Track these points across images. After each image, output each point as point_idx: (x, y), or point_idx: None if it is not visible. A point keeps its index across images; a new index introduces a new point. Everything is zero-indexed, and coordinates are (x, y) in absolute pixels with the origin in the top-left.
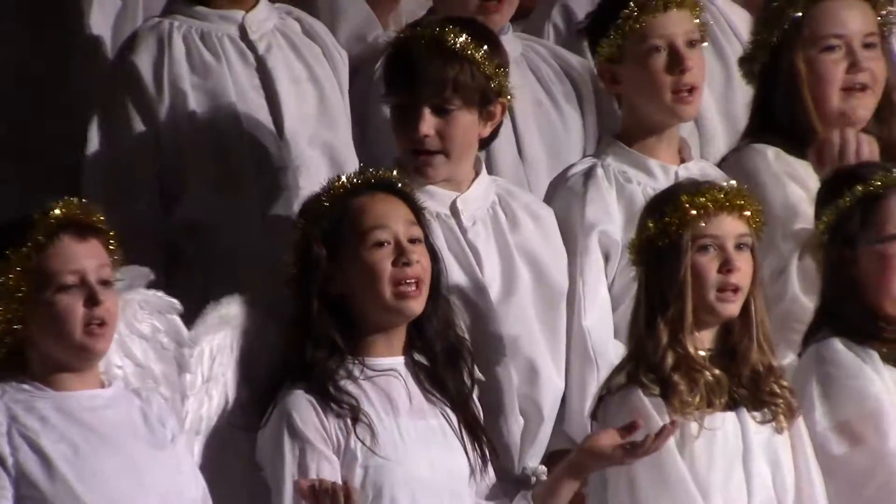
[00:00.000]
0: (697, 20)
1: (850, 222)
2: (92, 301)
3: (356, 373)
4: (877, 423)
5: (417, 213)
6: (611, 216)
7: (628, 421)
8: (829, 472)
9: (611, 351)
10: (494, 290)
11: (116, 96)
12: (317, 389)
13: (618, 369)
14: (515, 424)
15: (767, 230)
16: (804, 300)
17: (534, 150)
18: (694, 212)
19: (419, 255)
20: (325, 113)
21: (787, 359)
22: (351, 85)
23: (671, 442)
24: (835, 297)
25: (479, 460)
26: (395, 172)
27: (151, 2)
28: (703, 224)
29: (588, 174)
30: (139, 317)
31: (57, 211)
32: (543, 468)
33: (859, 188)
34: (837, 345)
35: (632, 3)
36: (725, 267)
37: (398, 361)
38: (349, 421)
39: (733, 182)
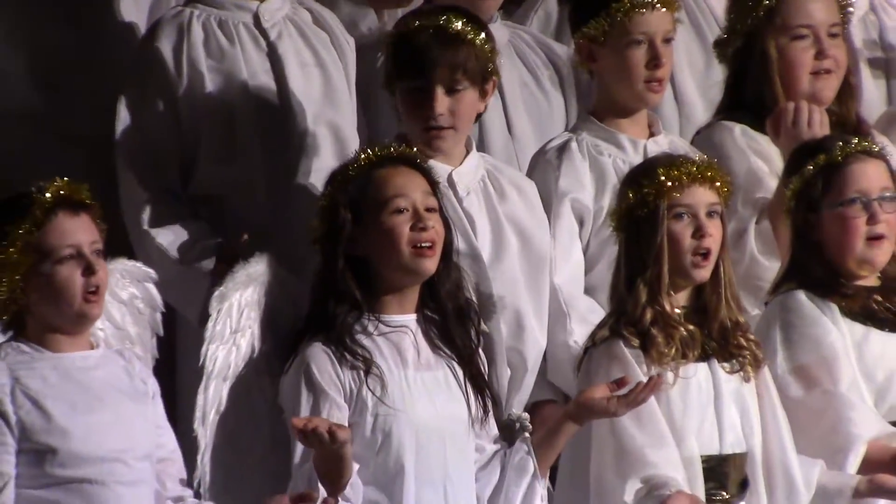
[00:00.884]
0: (674, 19)
1: (813, 188)
2: (89, 271)
3: (371, 328)
4: (830, 368)
5: (433, 185)
6: (582, 185)
7: (611, 370)
8: (786, 413)
9: (582, 305)
10: (486, 253)
11: (142, 78)
12: (334, 342)
13: (601, 325)
14: (504, 375)
15: (731, 198)
16: (762, 259)
17: (522, 128)
18: (669, 183)
19: (434, 221)
20: (330, 95)
21: (754, 311)
22: None
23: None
24: (800, 255)
25: (481, 410)
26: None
27: None
28: (678, 194)
29: (563, 148)
30: (120, 284)
31: (52, 189)
32: (526, 415)
33: (822, 157)
34: (801, 296)
35: None
36: (699, 233)
37: (410, 319)
38: (362, 373)
39: (703, 155)
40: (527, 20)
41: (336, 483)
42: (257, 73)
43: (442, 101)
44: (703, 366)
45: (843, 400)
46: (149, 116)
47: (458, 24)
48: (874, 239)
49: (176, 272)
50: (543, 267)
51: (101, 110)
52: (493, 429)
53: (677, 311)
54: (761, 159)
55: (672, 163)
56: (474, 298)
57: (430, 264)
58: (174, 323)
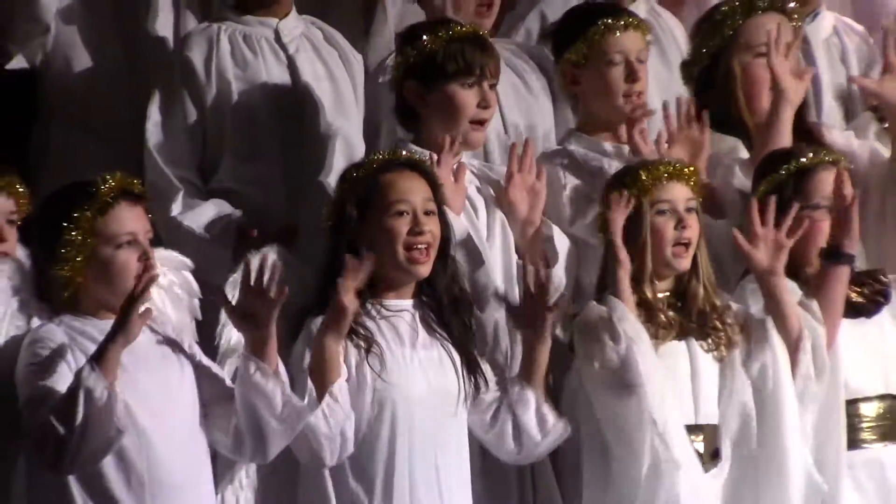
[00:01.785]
0: (647, 40)
1: (784, 191)
2: (145, 256)
3: (373, 312)
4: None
5: (435, 188)
6: (571, 187)
7: (611, 319)
8: None
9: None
10: (486, 233)
11: (173, 84)
12: None
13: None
14: (500, 356)
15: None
16: None
17: (515, 128)
18: (651, 182)
19: (431, 225)
20: (339, 105)
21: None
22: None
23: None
24: None
25: (473, 388)
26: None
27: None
28: (659, 192)
29: (552, 160)
30: (159, 271)
31: (114, 181)
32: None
33: (794, 163)
34: None
35: (599, 22)
36: (680, 225)
37: (407, 304)
38: (363, 350)
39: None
40: (512, 31)
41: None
42: (277, 83)
43: (492, 96)
44: (682, 344)
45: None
46: (177, 116)
47: (481, 32)
48: None
49: (206, 247)
50: None
51: (136, 114)
52: (493, 388)
53: (660, 295)
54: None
55: (651, 164)
56: (469, 289)
57: (423, 269)
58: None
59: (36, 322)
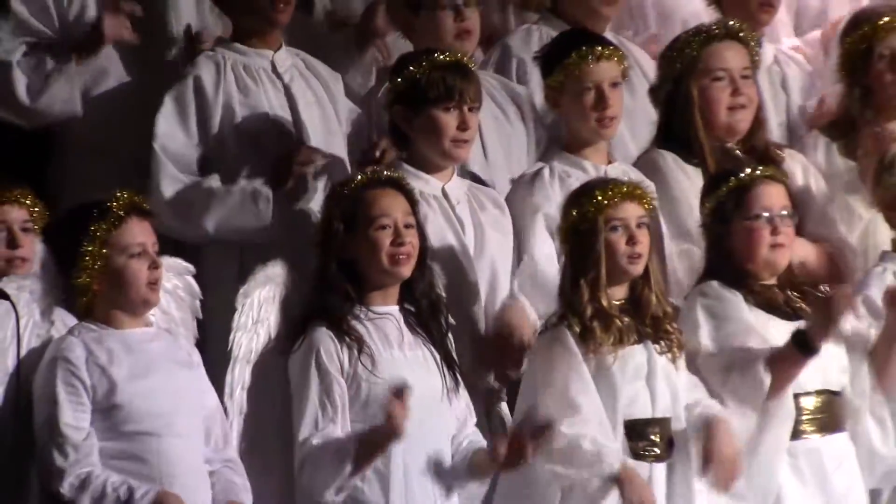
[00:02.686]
0: (622, 66)
1: (726, 205)
2: (153, 266)
3: (362, 316)
4: (747, 333)
5: (413, 204)
6: (552, 203)
7: (553, 352)
8: (706, 370)
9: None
10: (472, 249)
11: (183, 96)
12: (334, 326)
13: (553, 315)
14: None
15: (671, 208)
16: (682, 279)
17: (494, 153)
18: (605, 202)
19: (411, 237)
20: (327, 126)
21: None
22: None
23: (586, 372)
24: (714, 259)
25: (452, 382)
26: (391, 171)
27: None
28: (613, 210)
29: (537, 174)
30: (165, 277)
31: (125, 199)
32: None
33: (733, 180)
34: (715, 284)
35: (573, 54)
36: (631, 241)
37: (393, 309)
38: (356, 350)
39: (634, 178)
40: (487, 62)
41: (374, 455)
42: (276, 108)
43: (472, 118)
44: (639, 347)
45: (753, 358)
46: (185, 124)
47: (465, 60)
48: (776, 247)
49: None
50: (509, 256)
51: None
52: (467, 399)
53: (616, 303)
54: (687, 182)
55: (606, 185)
56: (444, 295)
57: (405, 271)
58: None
59: (56, 329)
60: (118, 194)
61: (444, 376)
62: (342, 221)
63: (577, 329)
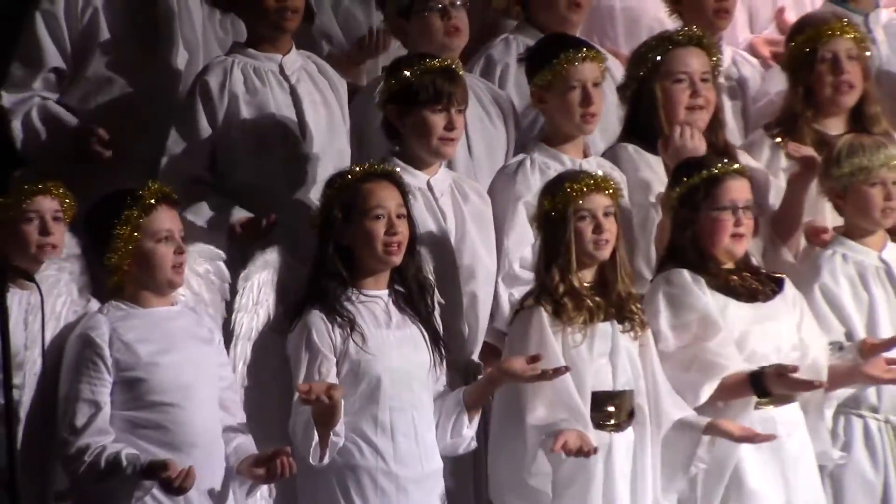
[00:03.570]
0: (601, 67)
1: (696, 194)
2: (179, 250)
3: (354, 298)
4: (706, 323)
5: (405, 196)
6: (532, 191)
7: (530, 331)
8: (665, 360)
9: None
10: (454, 237)
11: (193, 102)
12: (328, 308)
13: (527, 294)
14: (466, 327)
15: (637, 196)
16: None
17: (479, 152)
18: (574, 193)
19: (402, 226)
20: (332, 125)
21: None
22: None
23: (556, 347)
24: (679, 243)
25: (438, 357)
26: (385, 165)
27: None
28: (581, 201)
29: (519, 165)
30: (197, 262)
31: (155, 188)
32: (480, 363)
33: (704, 172)
34: (682, 271)
35: (561, 55)
36: (598, 229)
37: (383, 293)
38: (348, 329)
39: (607, 170)
40: (473, 69)
41: (328, 426)
42: (281, 108)
43: (458, 119)
44: (605, 325)
45: (708, 350)
46: (193, 126)
47: (454, 65)
48: (736, 236)
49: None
50: (492, 247)
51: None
52: (443, 382)
53: (586, 284)
54: (649, 171)
55: (576, 177)
56: (433, 277)
57: (396, 259)
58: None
59: (91, 306)
60: (150, 184)
61: (431, 352)
62: (340, 210)
63: (550, 307)
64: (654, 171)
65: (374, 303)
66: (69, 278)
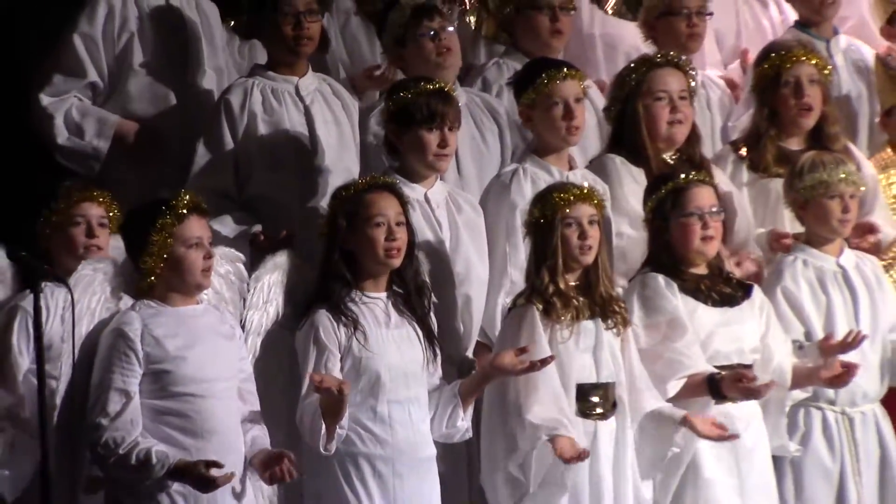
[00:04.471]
0: (582, 84)
1: (665, 204)
2: (208, 256)
3: (357, 299)
4: (674, 325)
5: (404, 205)
6: (525, 200)
7: (522, 328)
8: (641, 348)
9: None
10: (449, 245)
11: (217, 119)
12: (333, 308)
13: (519, 294)
14: (461, 326)
15: (618, 203)
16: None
17: (468, 170)
18: (562, 202)
19: (401, 233)
20: (342, 143)
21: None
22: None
23: (545, 342)
24: (654, 249)
25: (432, 355)
26: (387, 177)
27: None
28: (568, 210)
29: (513, 174)
30: (219, 263)
31: (188, 198)
32: (473, 359)
33: (671, 184)
34: (656, 276)
35: (543, 75)
36: (582, 236)
37: (383, 295)
38: (351, 328)
39: (591, 182)
40: (473, 84)
41: (335, 418)
42: (296, 126)
43: (451, 137)
44: (590, 323)
45: (668, 347)
46: (218, 143)
47: (446, 87)
48: (706, 239)
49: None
50: (484, 254)
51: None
52: (439, 375)
53: (572, 284)
54: (633, 182)
55: (563, 188)
56: (427, 280)
57: (396, 262)
58: None
59: (123, 304)
60: (182, 194)
61: (425, 350)
62: (345, 218)
63: (541, 306)
64: (638, 183)
65: (374, 304)
66: (103, 278)
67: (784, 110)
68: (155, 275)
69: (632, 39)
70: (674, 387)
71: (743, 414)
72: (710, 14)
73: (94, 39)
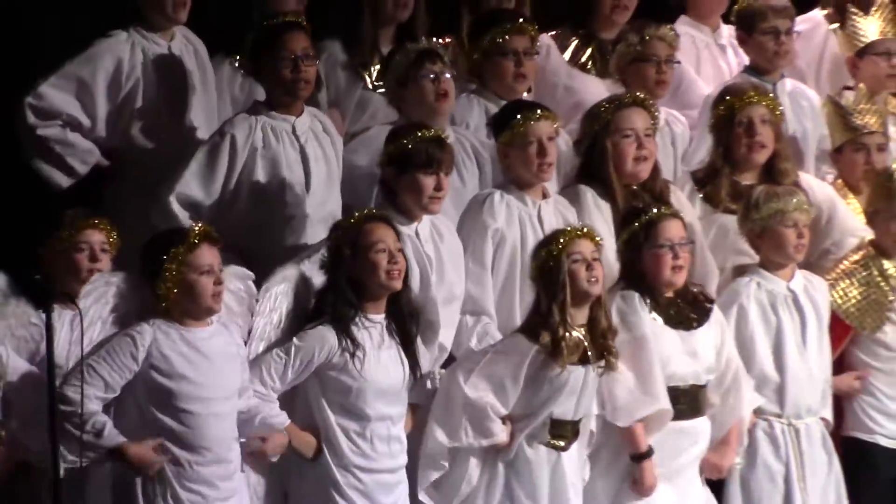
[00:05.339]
0: (555, 125)
1: (638, 237)
2: (218, 282)
3: (359, 322)
4: (638, 343)
5: (398, 234)
6: (497, 221)
7: (516, 357)
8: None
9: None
10: (434, 275)
11: (217, 147)
12: (340, 329)
13: (526, 323)
14: (435, 351)
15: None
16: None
17: (444, 203)
18: (567, 240)
19: (400, 258)
20: (329, 176)
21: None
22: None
23: (522, 380)
24: (628, 279)
25: (412, 375)
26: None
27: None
28: (574, 246)
29: (488, 196)
30: (230, 280)
31: (200, 229)
32: (441, 371)
33: (644, 217)
34: (633, 294)
35: (519, 115)
36: (590, 271)
37: (381, 318)
38: (350, 351)
39: (563, 210)
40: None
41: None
42: (291, 162)
43: (445, 181)
44: (581, 368)
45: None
46: (215, 167)
47: (442, 135)
48: (676, 268)
49: None
50: (461, 280)
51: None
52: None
53: (578, 325)
54: (599, 212)
55: (569, 231)
56: (419, 306)
57: (398, 284)
58: None
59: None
60: (194, 225)
61: (406, 372)
62: (348, 247)
63: (548, 341)
64: (604, 219)
65: (374, 327)
66: (115, 291)
67: (737, 148)
68: (169, 300)
69: (596, 91)
70: (641, 414)
71: (695, 430)
72: (678, 62)
73: (91, 90)
